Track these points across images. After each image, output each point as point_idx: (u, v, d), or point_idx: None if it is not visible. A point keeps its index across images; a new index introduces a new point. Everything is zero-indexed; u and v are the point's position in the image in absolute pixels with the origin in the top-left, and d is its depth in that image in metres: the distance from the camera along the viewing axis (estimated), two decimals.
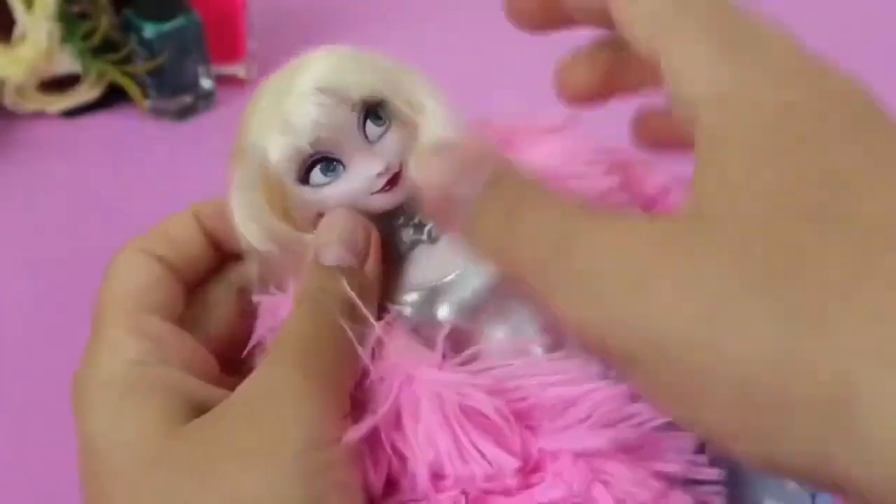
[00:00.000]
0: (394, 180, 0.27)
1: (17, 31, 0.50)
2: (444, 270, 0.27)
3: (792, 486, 0.28)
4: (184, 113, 0.54)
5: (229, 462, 0.22)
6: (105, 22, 0.51)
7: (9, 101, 0.53)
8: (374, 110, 0.27)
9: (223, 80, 0.56)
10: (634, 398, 0.25)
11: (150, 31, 0.50)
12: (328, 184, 0.27)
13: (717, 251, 0.17)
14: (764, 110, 0.18)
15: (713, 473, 0.25)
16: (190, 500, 0.21)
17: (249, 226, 0.27)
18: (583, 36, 0.27)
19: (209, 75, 0.54)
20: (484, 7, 0.67)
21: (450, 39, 0.63)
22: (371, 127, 0.27)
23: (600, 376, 0.25)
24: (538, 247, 0.19)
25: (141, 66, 0.52)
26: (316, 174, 0.26)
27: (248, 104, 0.27)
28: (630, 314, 0.17)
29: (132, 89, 0.52)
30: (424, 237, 0.28)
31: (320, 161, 0.26)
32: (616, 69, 0.26)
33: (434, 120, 0.28)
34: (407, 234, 0.28)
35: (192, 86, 0.53)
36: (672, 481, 0.25)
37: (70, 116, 0.54)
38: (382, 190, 0.27)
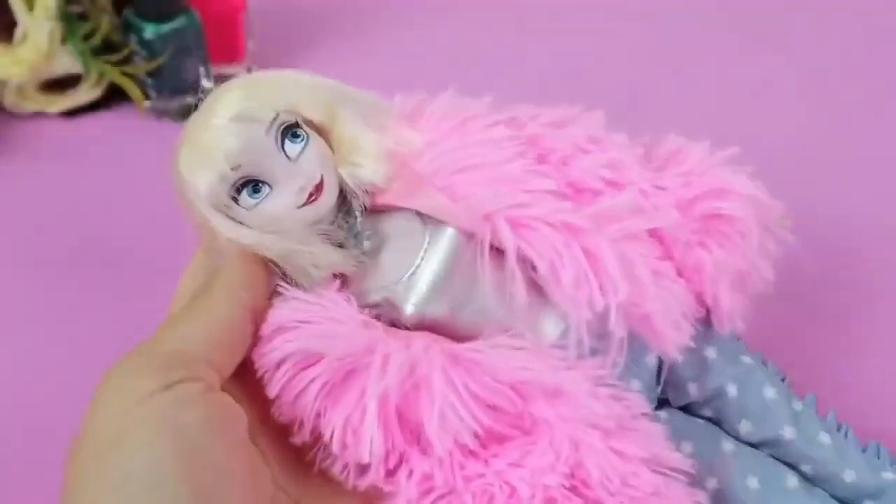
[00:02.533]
0: (317, 190, 0.29)
1: (19, 31, 0.50)
2: (398, 271, 0.30)
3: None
4: (184, 113, 0.54)
5: None
6: (105, 23, 0.51)
7: (9, 101, 0.53)
8: (290, 130, 0.29)
9: (223, 81, 0.56)
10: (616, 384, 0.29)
11: (150, 31, 0.50)
12: (257, 204, 0.29)
13: None
14: None
15: (678, 460, 0.28)
16: None
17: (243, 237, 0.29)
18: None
19: (209, 76, 0.54)
20: (483, 7, 0.67)
21: (448, 39, 0.63)
22: (290, 146, 0.29)
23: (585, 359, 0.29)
24: None
25: (141, 67, 0.52)
26: (244, 197, 0.29)
27: (175, 149, 0.30)
28: None
29: (132, 90, 0.52)
30: (354, 230, 0.30)
31: (247, 184, 0.29)
32: None
33: (347, 124, 0.31)
34: (343, 230, 0.30)
35: (192, 86, 0.53)
36: (642, 462, 0.27)
37: (70, 116, 0.54)
38: (308, 202, 0.29)
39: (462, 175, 0.31)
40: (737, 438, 0.33)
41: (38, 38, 0.50)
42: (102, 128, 0.54)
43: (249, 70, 0.57)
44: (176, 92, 0.53)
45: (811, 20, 0.66)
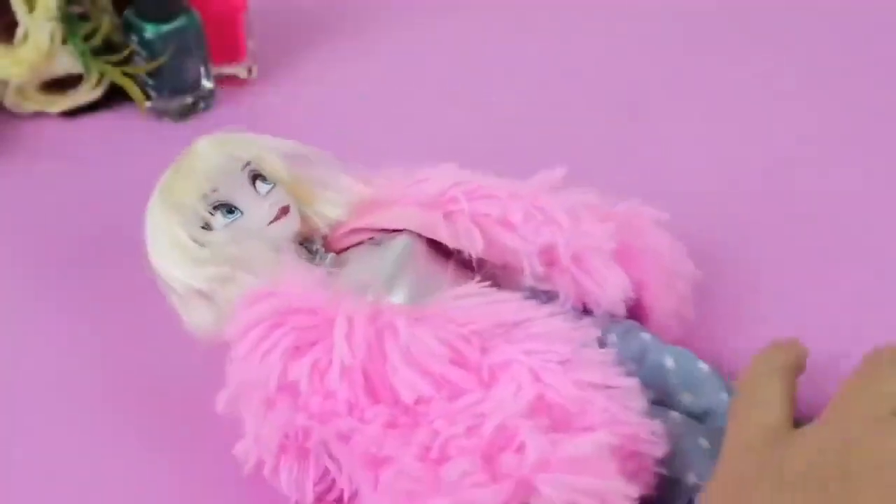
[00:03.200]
0: (283, 213, 0.35)
1: (19, 32, 0.50)
2: (358, 277, 0.34)
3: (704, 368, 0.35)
4: (184, 113, 0.54)
5: None
6: (106, 23, 0.52)
7: (9, 101, 0.53)
8: (259, 176, 0.36)
9: (223, 81, 0.56)
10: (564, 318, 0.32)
11: (150, 31, 0.50)
12: (231, 223, 0.35)
13: None
14: None
15: (628, 382, 0.30)
16: None
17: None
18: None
19: (209, 76, 0.54)
20: (483, 7, 0.67)
21: (448, 39, 0.63)
22: (260, 185, 0.36)
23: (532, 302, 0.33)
24: None
25: (141, 67, 0.52)
26: (218, 217, 0.35)
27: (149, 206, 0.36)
28: None
29: (133, 90, 0.52)
30: (318, 253, 0.36)
31: (221, 207, 0.35)
32: None
33: (307, 177, 0.38)
34: (308, 253, 0.36)
35: (193, 86, 0.53)
36: (594, 387, 0.30)
37: (70, 116, 0.54)
38: (276, 219, 0.35)
39: (417, 186, 0.36)
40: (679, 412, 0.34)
41: (39, 39, 0.50)
42: (102, 128, 0.54)
43: (249, 70, 0.57)
44: (176, 92, 0.53)
45: (811, 20, 0.66)
